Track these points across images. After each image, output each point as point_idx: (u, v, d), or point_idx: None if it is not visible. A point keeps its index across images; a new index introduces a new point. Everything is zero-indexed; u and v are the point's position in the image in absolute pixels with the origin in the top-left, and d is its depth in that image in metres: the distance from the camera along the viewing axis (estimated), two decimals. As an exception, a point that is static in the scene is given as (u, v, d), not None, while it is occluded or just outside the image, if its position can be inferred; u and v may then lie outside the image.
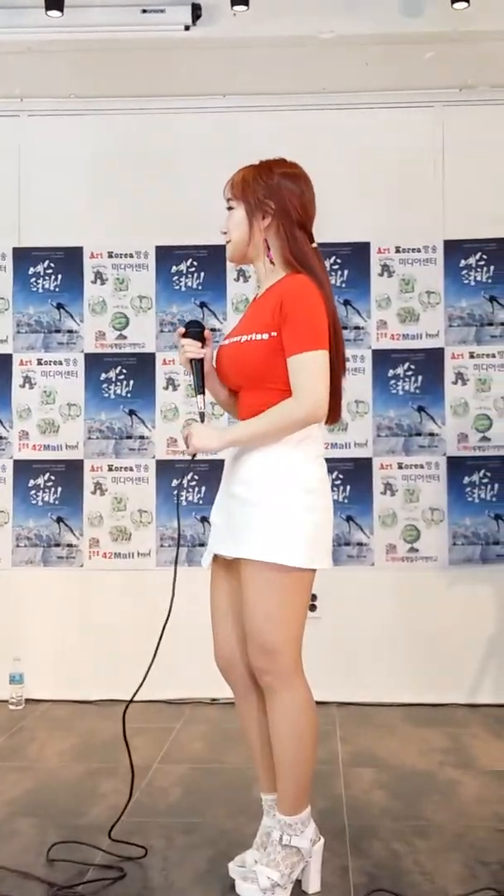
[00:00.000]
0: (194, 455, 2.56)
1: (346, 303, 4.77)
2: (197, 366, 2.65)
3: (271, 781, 2.62)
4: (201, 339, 2.65)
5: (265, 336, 2.47)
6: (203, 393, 2.65)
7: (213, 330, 4.75)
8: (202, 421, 2.60)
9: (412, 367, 4.75)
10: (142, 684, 2.62)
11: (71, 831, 3.01)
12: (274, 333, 2.47)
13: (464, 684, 4.60)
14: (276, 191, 2.54)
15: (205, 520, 4.53)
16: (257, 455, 2.48)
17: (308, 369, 2.41)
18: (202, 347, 2.64)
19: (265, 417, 2.45)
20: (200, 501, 4.69)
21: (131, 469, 4.79)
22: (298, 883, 2.56)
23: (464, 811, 3.22)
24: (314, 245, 2.58)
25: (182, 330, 2.66)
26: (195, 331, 2.65)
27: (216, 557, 2.61)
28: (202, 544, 4.71)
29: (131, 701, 2.74)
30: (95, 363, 4.83)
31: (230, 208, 2.61)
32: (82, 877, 2.68)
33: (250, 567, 2.46)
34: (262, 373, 2.49)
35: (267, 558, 2.42)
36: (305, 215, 2.56)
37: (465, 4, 4.20)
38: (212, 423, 2.48)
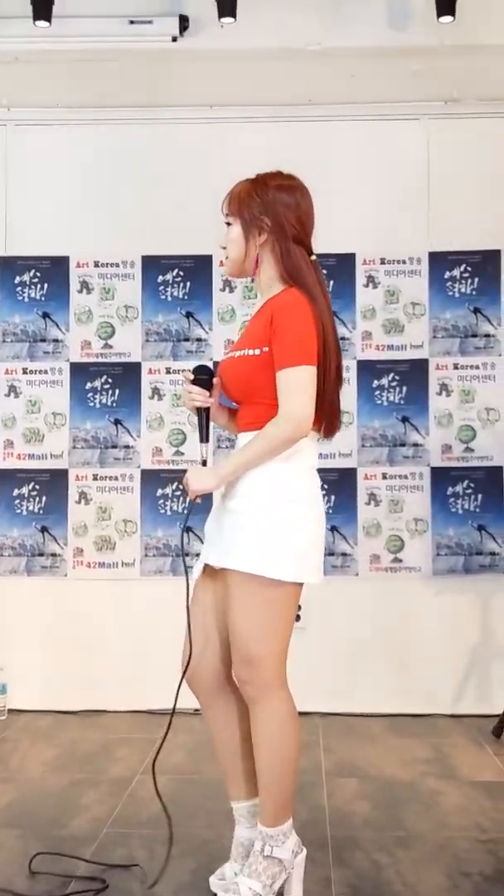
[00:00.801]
0: (196, 498, 2.53)
1: (332, 314, 4.77)
2: (203, 414, 2.65)
3: (240, 789, 2.62)
4: (209, 386, 2.64)
5: (257, 351, 2.49)
6: (206, 441, 2.65)
7: (198, 340, 4.78)
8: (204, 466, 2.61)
9: (397, 377, 4.77)
10: (177, 697, 2.60)
11: (53, 842, 3.00)
12: (266, 349, 2.49)
13: (447, 695, 4.61)
14: (271, 206, 2.54)
15: (189, 529, 4.53)
16: (254, 469, 2.48)
17: (290, 386, 2.42)
18: (209, 395, 2.64)
19: (252, 444, 2.46)
20: (184, 511, 4.69)
21: (116, 478, 4.78)
22: (281, 894, 2.56)
23: (446, 822, 3.23)
24: (313, 258, 2.59)
25: (191, 376, 2.65)
26: (203, 378, 2.64)
27: (205, 567, 2.62)
28: (187, 554, 4.70)
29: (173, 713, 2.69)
30: (81, 372, 4.83)
31: (228, 224, 2.62)
32: (64, 888, 2.67)
33: (236, 578, 2.46)
34: (256, 387, 2.51)
35: (252, 570, 2.42)
36: (302, 229, 2.57)
37: (450, 18, 4.24)
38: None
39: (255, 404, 2.53)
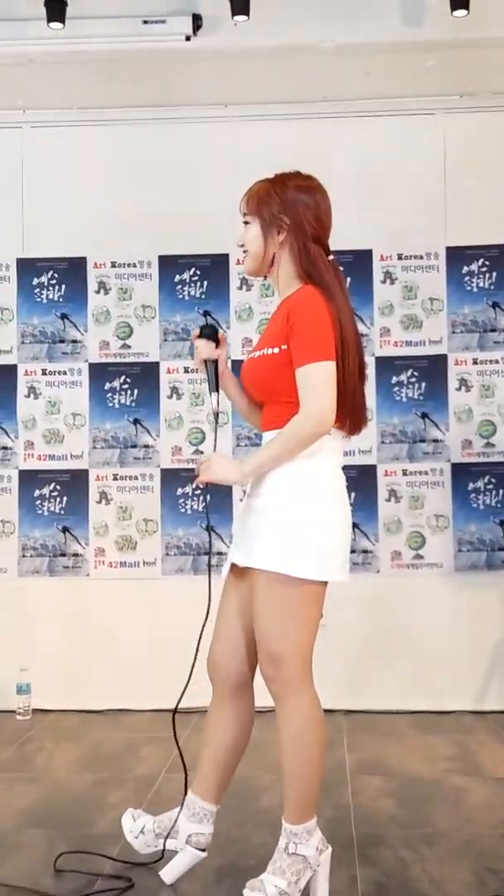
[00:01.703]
0: (206, 485, 2.54)
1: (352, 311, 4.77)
2: (211, 366, 2.71)
3: (203, 787, 2.69)
4: (215, 340, 2.71)
5: (276, 350, 2.51)
6: (217, 391, 2.71)
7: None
8: (216, 419, 2.68)
9: (415, 373, 4.76)
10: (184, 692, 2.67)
11: (79, 842, 3.01)
12: (284, 347, 2.50)
13: (470, 691, 4.59)
14: (290, 205, 2.56)
15: (211, 528, 4.52)
16: (278, 468, 2.49)
17: (310, 382, 2.43)
18: (217, 348, 2.71)
19: (275, 442, 2.48)
20: (204, 510, 4.69)
21: (136, 478, 4.80)
22: (307, 893, 2.56)
23: (471, 818, 3.22)
24: (330, 257, 2.60)
25: (196, 331, 2.73)
26: (209, 332, 2.72)
27: (233, 565, 2.64)
28: (207, 552, 4.71)
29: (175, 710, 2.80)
30: (100, 373, 4.84)
31: (246, 223, 2.64)
32: (90, 887, 2.68)
33: (260, 577, 2.47)
34: (277, 387, 2.52)
35: (275, 568, 2.44)
36: (321, 228, 2.58)
37: (464, 12, 4.23)
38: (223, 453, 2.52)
39: (277, 403, 2.54)
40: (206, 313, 4.82)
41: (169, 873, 2.68)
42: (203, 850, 2.69)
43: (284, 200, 2.56)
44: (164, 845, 2.71)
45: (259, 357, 2.57)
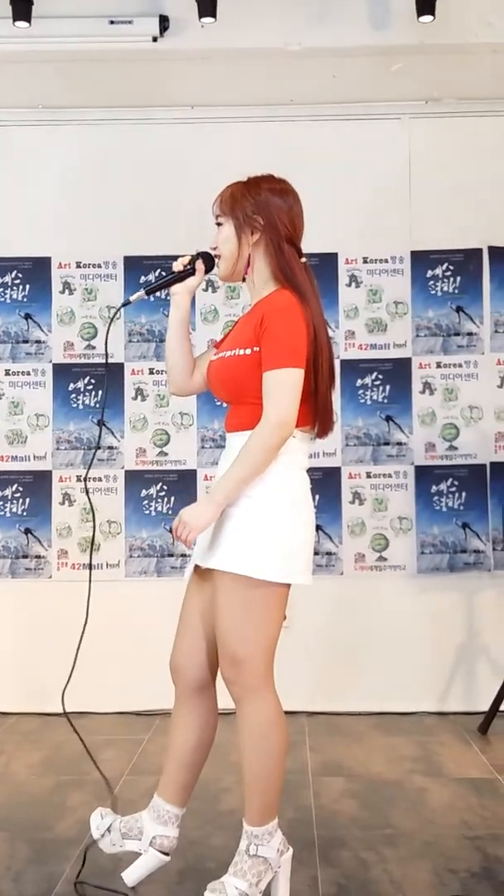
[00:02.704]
0: (189, 542, 2.49)
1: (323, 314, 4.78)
2: (171, 275, 2.72)
3: (169, 790, 2.66)
4: (206, 268, 2.71)
5: (248, 351, 2.50)
6: (147, 296, 2.73)
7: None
8: (123, 304, 2.79)
9: (380, 376, 4.78)
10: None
11: (39, 845, 2.99)
12: (256, 349, 2.49)
13: (433, 692, 4.62)
14: (264, 206, 2.56)
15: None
16: None
17: (276, 387, 2.43)
18: (193, 272, 2.70)
19: (242, 461, 2.44)
20: (169, 512, 4.69)
21: (100, 479, 4.77)
22: (267, 894, 2.56)
23: (433, 819, 3.23)
24: (303, 260, 2.60)
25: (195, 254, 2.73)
26: (208, 259, 2.70)
27: (196, 567, 2.63)
28: (171, 555, 4.70)
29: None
30: (63, 373, 4.82)
31: (219, 224, 2.63)
32: (50, 891, 2.67)
33: (223, 579, 2.47)
34: (246, 388, 2.52)
35: (237, 570, 2.44)
36: (294, 230, 2.59)
37: (430, 18, 4.25)
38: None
39: (245, 404, 2.53)
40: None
41: (131, 875, 2.66)
42: (167, 854, 2.66)
43: (258, 201, 2.57)
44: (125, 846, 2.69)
45: (230, 357, 2.56)
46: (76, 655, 2.72)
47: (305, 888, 2.67)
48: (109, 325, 2.85)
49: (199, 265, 2.69)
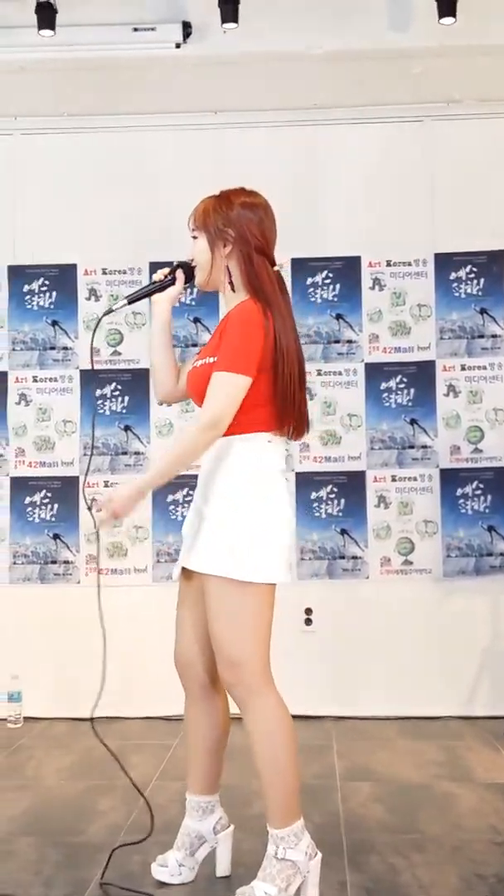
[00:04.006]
0: (109, 524, 2.60)
1: (339, 317, 4.80)
2: (152, 285, 2.83)
3: (196, 784, 2.76)
4: (186, 279, 2.81)
5: (214, 359, 2.59)
6: (129, 303, 2.82)
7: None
8: (106, 313, 2.88)
9: (404, 379, 4.78)
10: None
11: (69, 850, 3.02)
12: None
13: (459, 697, 4.61)
14: (235, 220, 2.66)
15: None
16: (221, 472, 2.58)
17: (216, 388, 2.52)
18: (173, 282, 2.80)
19: (170, 453, 2.59)
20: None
21: (127, 485, 4.79)
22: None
23: (460, 824, 3.23)
24: (276, 268, 2.70)
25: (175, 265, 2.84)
26: (187, 270, 2.80)
27: (183, 569, 2.71)
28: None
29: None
30: (91, 380, 4.85)
31: (194, 237, 2.74)
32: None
33: (210, 582, 2.55)
34: None
35: (218, 572, 2.52)
36: (265, 240, 2.68)
37: (452, 20, 4.26)
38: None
39: None
40: (196, 319, 4.83)
41: (222, 866, 2.77)
42: (230, 827, 2.78)
43: (229, 215, 2.66)
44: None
45: (202, 366, 2.65)
46: (104, 664, 2.77)
47: (334, 893, 2.68)
48: (94, 331, 2.98)
49: (179, 275, 2.81)
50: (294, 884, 2.52)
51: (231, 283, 2.68)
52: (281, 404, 2.59)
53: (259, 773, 2.56)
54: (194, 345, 4.80)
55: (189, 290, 2.89)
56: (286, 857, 2.51)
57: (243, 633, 2.53)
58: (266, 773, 2.54)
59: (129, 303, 2.82)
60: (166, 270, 2.82)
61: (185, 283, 2.81)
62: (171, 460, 2.55)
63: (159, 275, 2.83)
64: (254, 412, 2.56)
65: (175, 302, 2.86)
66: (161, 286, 2.82)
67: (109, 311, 2.88)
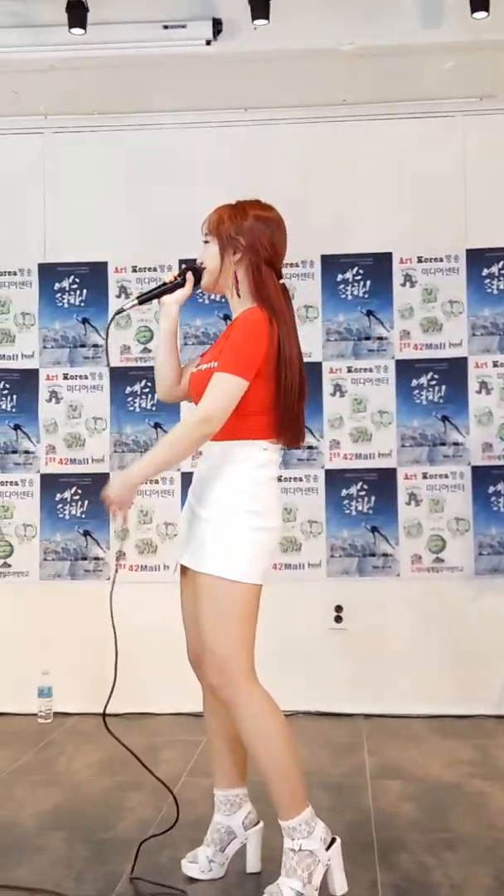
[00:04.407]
0: (120, 515, 2.61)
1: (369, 313, 4.78)
2: (162, 286, 2.86)
3: (223, 778, 2.80)
4: (195, 282, 2.84)
5: (217, 364, 2.64)
6: (139, 303, 2.85)
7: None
8: (119, 311, 2.92)
9: (436, 376, 4.75)
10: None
11: (99, 845, 3.02)
12: None
13: (491, 695, 4.57)
14: (247, 230, 2.72)
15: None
16: (218, 477, 2.65)
17: (214, 387, 2.57)
18: (183, 284, 2.83)
19: (163, 444, 2.61)
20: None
21: (156, 482, 4.80)
22: (325, 889, 2.56)
23: (493, 823, 3.20)
24: (282, 281, 2.76)
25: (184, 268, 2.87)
26: (197, 272, 2.83)
27: (183, 568, 2.77)
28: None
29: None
30: (120, 377, 4.86)
31: (206, 242, 2.79)
32: (110, 890, 2.69)
33: (202, 578, 2.61)
34: None
35: (212, 571, 2.58)
36: (274, 253, 2.74)
37: (484, 14, 4.20)
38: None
39: None
40: (226, 317, 4.82)
41: (252, 863, 2.78)
42: (259, 823, 2.79)
43: (242, 224, 2.72)
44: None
45: (206, 369, 2.71)
46: (116, 660, 2.80)
47: (365, 891, 2.66)
48: (108, 330, 2.98)
49: (189, 277, 2.84)
50: (316, 873, 2.53)
51: (237, 289, 2.74)
52: (281, 413, 2.66)
53: (260, 768, 2.60)
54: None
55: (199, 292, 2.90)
56: (302, 848, 2.53)
57: (232, 631, 2.59)
58: (267, 768, 2.58)
59: (140, 303, 2.86)
60: (176, 272, 2.87)
61: (194, 285, 2.85)
62: (160, 456, 2.59)
63: (169, 276, 2.88)
64: (253, 419, 2.63)
65: (183, 303, 2.90)
66: (171, 287, 2.86)
67: (121, 311, 2.92)
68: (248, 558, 2.60)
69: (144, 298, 2.87)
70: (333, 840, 2.60)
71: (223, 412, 2.56)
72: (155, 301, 2.83)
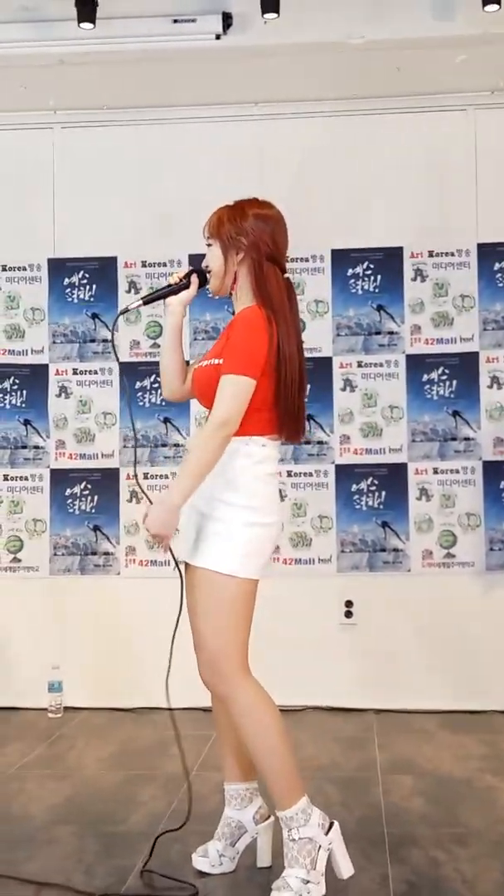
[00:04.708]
0: (166, 546, 2.60)
1: (380, 308, 4.77)
2: (167, 288, 2.87)
3: (232, 772, 2.82)
4: (201, 283, 2.86)
5: (220, 361, 2.67)
6: (144, 303, 2.86)
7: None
8: (123, 311, 2.95)
9: (447, 371, 4.73)
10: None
11: (110, 839, 3.03)
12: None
13: (502, 691, 4.55)
14: (247, 230, 2.74)
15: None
16: (219, 473, 2.63)
17: (224, 390, 2.60)
18: (188, 286, 2.85)
19: (190, 459, 2.61)
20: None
21: (167, 477, 4.80)
22: (331, 873, 2.57)
23: (503, 818, 3.19)
24: (286, 276, 2.78)
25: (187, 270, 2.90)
26: (202, 275, 2.85)
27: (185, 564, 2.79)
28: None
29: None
30: (130, 372, 4.85)
31: (209, 245, 2.81)
32: (121, 884, 2.70)
33: (202, 574, 2.64)
34: (215, 395, 2.68)
35: (207, 565, 2.61)
36: (276, 249, 2.76)
37: (496, 7, 4.18)
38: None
39: None
40: (233, 313, 4.81)
41: (263, 858, 2.78)
42: (269, 818, 2.78)
43: (242, 225, 2.75)
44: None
45: (207, 366, 2.74)
46: (171, 649, 2.80)
47: (376, 886, 2.66)
48: (113, 330, 2.96)
49: (194, 279, 2.86)
50: (319, 858, 2.55)
51: (233, 289, 2.77)
52: (281, 409, 2.69)
53: (256, 760, 2.63)
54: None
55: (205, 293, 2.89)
56: (301, 836, 2.55)
57: (225, 626, 2.61)
58: (263, 759, 2.61)
59: (145, 303, 2.88)
60: (182, 273, 2.88)
61: (199, 287, 2.86)
62: (191, 469, 2.58)
63: (174, 278, 2.89)
64: (253, 416, 2.64)
65: (188, 304, 2.91)
66: (176, 289, 2.86)
67: (125, 311, 2.94)
68: (245, 553, 2.62)
69: (149, 299, 2.88)
70: (332, 824, 2.61)
71: (237, 414, 2.58)
72: (164, 312, 2.83)
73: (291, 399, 2.70)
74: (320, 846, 2.55)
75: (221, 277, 2.78)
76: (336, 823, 2.62)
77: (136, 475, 3.23)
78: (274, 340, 2.65)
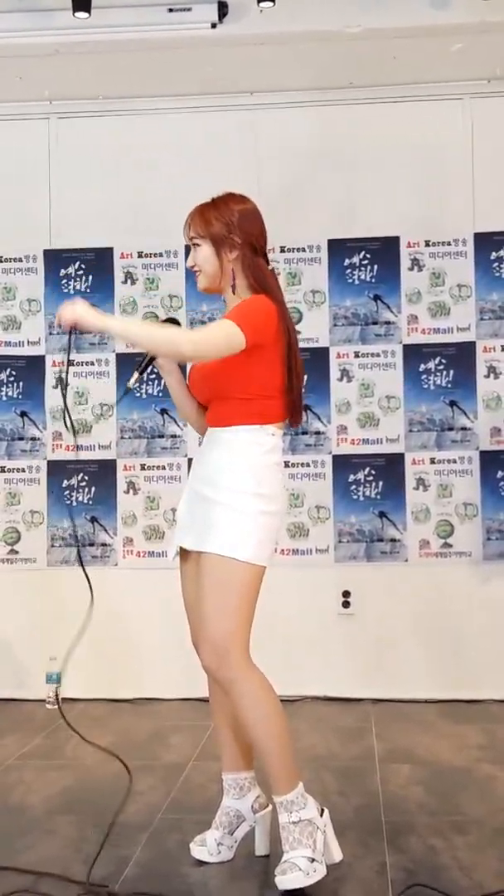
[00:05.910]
0: (74, 331, 2.61)
1: (376, 298, 4.76)
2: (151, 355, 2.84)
3: (230, 761, 2.83)
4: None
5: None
6: (140, 373, 2.80)
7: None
8: (125, 392, 2.99)
9: (443, 361, 4.73)
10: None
11: (107, 829, 3.03)
12: None
13: (499, 680, 4.56)
14: (237, 225, 2.75)
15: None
16: (224, 457, 2.67)
17: (212, 327, 2.70)
18: None
19: (153, 330, 2.75)
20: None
21: (164, 468, 4.80)
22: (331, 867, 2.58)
23: (501, 807, 3.20)
24: (271, 267, 2.82)
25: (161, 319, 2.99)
26: (169, 322, 2.89)
27: (183, 551, 2.79)
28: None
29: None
30: (126, 363, 4.84)
31: (196, 245, 2.79)
32: (119, 874, 2.70)
33: (205, 559, 2.63)
34: (224, 384, 2.69)
35: (220, 552, 2.60)
36: (265, 242, 2.80)
37: (492, -5, 4.17)
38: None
39: (229, 399, 2.70)
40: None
41: (260, 846, 2.79)
42: (268, 807, 2.79)
43: (231, 221, 2.75)
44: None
45: (202, 365, 2.76)
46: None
47: (374, 874, 2.66)
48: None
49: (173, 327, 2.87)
50: (318, 840, 2.57)
51: (234, 286, 2.76)
52: (290, 397, 2.71)
53: (258, 746, 2.65)
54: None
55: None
56: (302, 819, 2.57)
57: (234, 612, 2.61)
58: (265, 745, 2.62)
59: (140, 373, 2.81)
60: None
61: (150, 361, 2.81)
62: (147, 334, 2.68)
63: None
64: (260, 403, 2.67)
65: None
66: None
67: (128, 391, 2.91)
68: (256, 540, 2.62)
69: (143, 367, 2.82)
70: (323, 810, 2.65)
71: (212, 349, 2.60)
72: (160, 304, 2.81)
73: (298, 385, 2.73)
74: (318, 828, 2.58)
75: (217, 277, 2.77)
76: (326, 810, 2.66)
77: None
78: (283, 322, 2.69)
